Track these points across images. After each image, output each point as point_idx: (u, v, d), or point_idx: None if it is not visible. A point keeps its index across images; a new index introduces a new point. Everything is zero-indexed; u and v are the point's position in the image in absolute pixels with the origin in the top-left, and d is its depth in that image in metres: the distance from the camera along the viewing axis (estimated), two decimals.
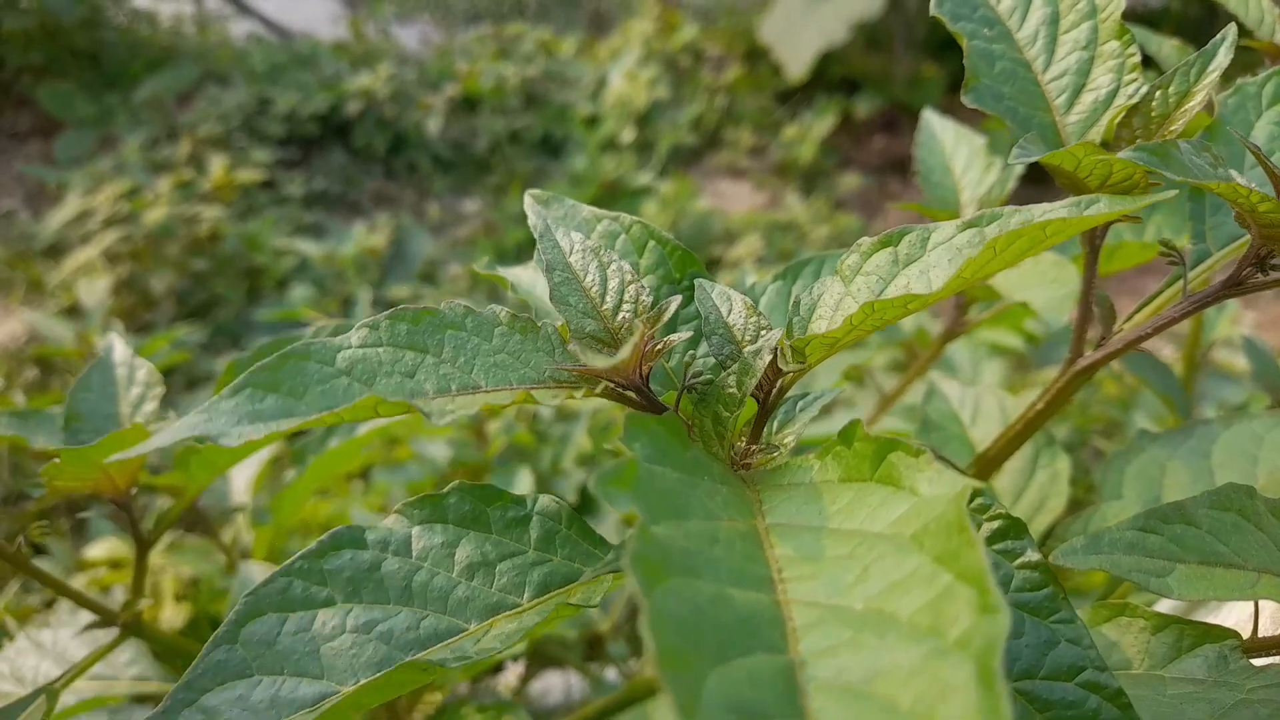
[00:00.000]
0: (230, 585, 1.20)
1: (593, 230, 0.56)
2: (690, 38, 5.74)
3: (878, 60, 5.59)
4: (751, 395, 0.46)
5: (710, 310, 0.49)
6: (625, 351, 0.40)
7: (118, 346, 0.76)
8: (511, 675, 1.20)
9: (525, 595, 0.46)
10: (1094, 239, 0.56)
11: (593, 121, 5.31)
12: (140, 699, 0.88)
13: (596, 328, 0.47)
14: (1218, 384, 1.72)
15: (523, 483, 1.46)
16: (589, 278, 0.48)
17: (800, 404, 0.49)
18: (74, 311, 3.16)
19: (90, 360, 0.75)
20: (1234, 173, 0.44)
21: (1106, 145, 0.53)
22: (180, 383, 2.81)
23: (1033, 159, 0.46)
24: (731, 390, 0.46)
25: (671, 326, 0.53)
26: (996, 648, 0.24)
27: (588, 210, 0.57)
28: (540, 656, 1.27)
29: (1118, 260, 0.84)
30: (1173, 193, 0.40)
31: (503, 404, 0.42)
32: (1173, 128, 0.51)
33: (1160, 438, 0.75)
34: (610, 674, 1.28)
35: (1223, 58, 0.51)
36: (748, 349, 0.47)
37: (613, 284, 0.47)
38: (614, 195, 4.52)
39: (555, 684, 1.33)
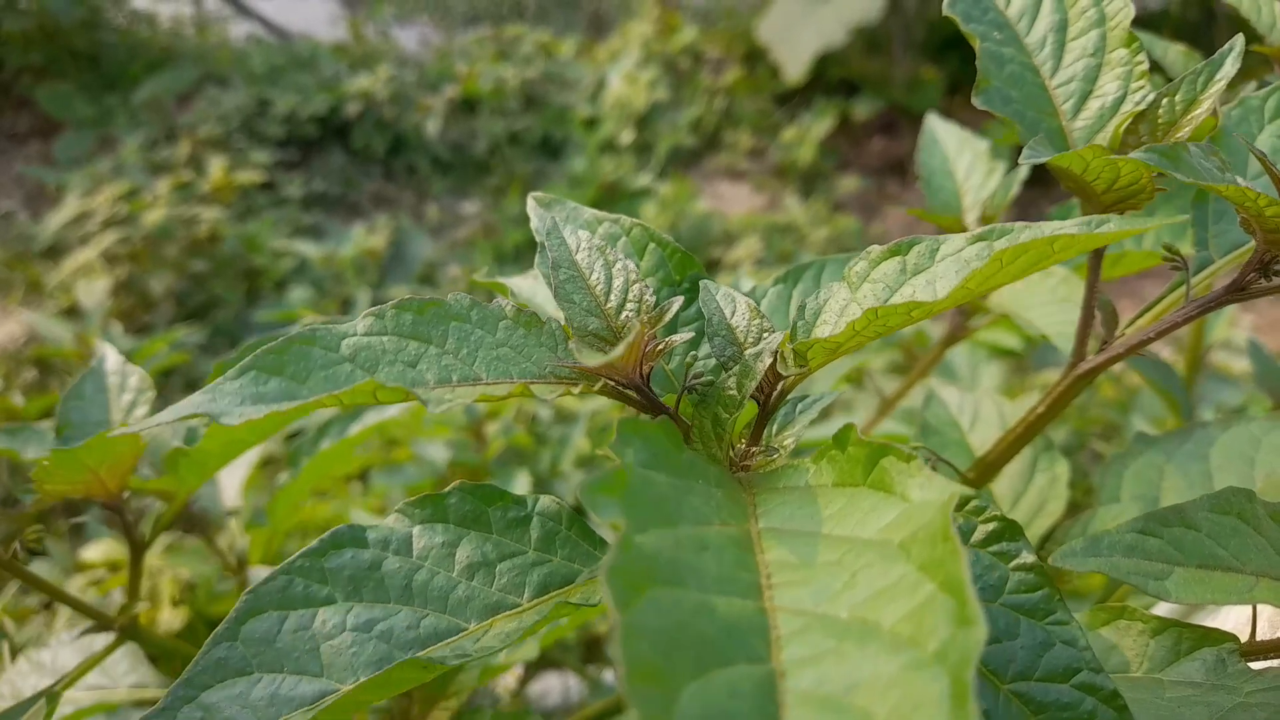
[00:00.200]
0: (227, 588, 1.20)
1: (594, 232, 0.56)
2: (689, 40, 5.74)
3: (876, 62, 5.59)
4: (752, 397, 0.46)
5: (714, 311, 0.49)
6: (621, 348, 0.40)
7: (110, 355, 0.76)
8: (510, 677, 1.20)
9: (525, 595, 0.46)
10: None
11: (592, 123, 5.31)
12: (138, 705, 0.88)
13: (599, 326, 0.47)
14: (1216, 386, 1.72)
15: (521, 485, 1.46)
16: (594, 276, 0.48)
17: (800, 406, 0.49)
18: (73, 312, 3.16)
19: (84, 368, 0.75)
20: (1239, 178, 0.44)
21: (1114, 150, 0.53)
22: (179, 384, 2.80)
23: (1041, 160, 0.46)
24: (732, 392, 0.46)
25: (672, 328, 0.53)
26: (970, 661, 0.24)
27: (589, 213, 0.57)
28: (539, 659, 1.27)
29: (1120, 267, 0.84)
30: (1185, 217, 0.40)
31: (500, 396, 0.42)
32: (1179, 135, 0.51)
33: (1158, 441, 0.75)
34: (608, 676, 1.28)
35: (1230, 67, 0.51)
36: (749, 351, 0.47)
37: (617, 283, 0.48)
38: (613, 197, 4.52)
39: (554, 685, 1.33)
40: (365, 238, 4.01)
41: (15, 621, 1.26)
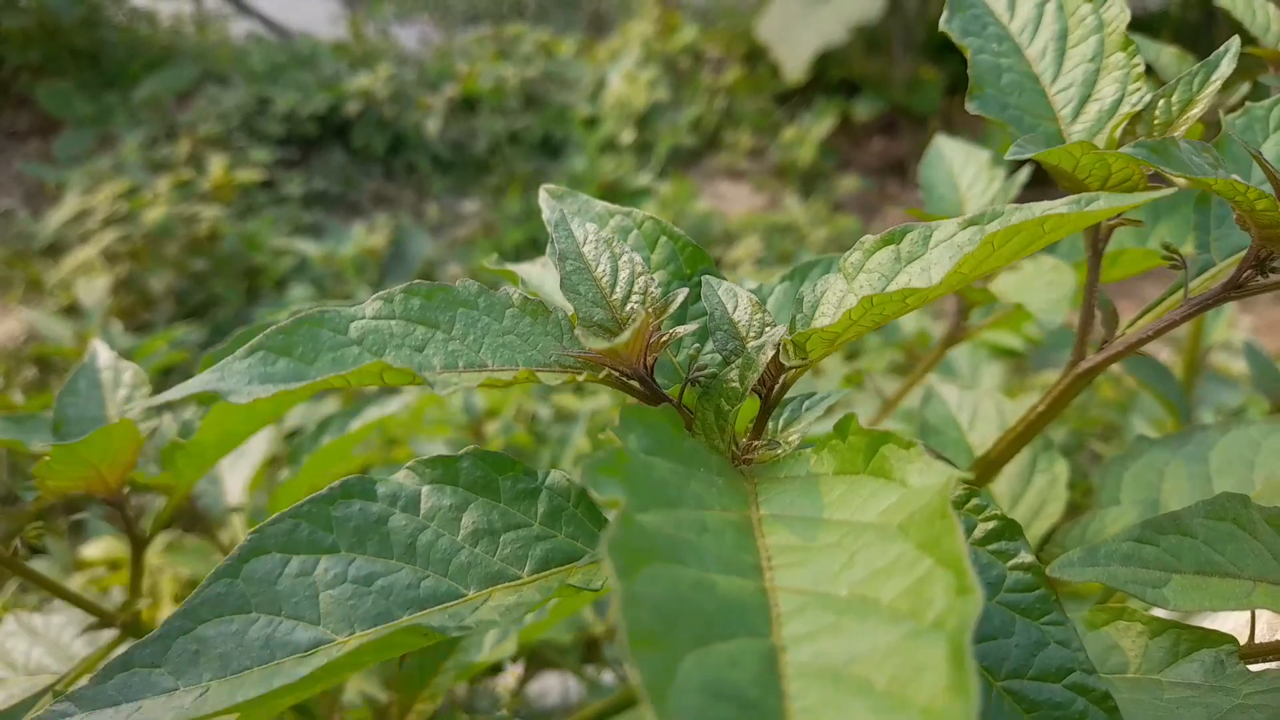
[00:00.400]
0: None
1: (605, 225, 0.57)
2: (690, 39, 5.74)
3: (877, 63, 5.60)
4: (754, 391, 0.47)
5: (716, 306, 0.49)
6: (627, 334, 0.40)
7: (101, 351, 0.76)
8: (510, 677, 1.20)
9: (526, 568, 0.46)
10: (1097, 244, 0.57)
11: (592, 122, 5.31)
12: None
13: (605, 317, 0.47)
14: (1215, 388, 1.72)
15: None
16: (600, 268, 0.48)
17: (806, 403, 0.49)
18: (73, 311, 3.16)
19: (76, 365, 0.75)
20: (1228, 173, 0.44)
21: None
22: (178, 382, 2.80)
23: (1028, 155, 0.46)
24: (734, 384, 0.46)
25: (681, 320, 0.54)
26: (968, 626, 0.25)
27: (601, 205, 0.58)
28: (537, 659, 1.27)
29: (1119, 267, 0.84)
30: (1171, 190, 0.40)
31: (505, 381, 0.43)
32: (1175, 134, 0.52)
33: (1158, 443, 0.75)
34: (607, 677, 1.28)
35: (1225, 68, 0.51)
36: (751, 344, 0.47)
37: (623, 275, 0.48)
38: (613, 196, 4.52)
39: (552, 686, 1.33)
40: (365, 236, 4.02)
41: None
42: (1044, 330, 0.82)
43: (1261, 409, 1.43)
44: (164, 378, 2.69)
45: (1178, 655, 0.49)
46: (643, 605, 0.25)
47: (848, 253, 0.46)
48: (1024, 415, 0.63)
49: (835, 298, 0.46)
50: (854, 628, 0.27)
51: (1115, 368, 1.16)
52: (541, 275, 0.63)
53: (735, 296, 0.49)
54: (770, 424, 0.49)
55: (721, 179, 5.20)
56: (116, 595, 1.21)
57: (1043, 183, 0.54)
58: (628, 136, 5.09)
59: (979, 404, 0.90)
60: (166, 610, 1.18)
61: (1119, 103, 0.55)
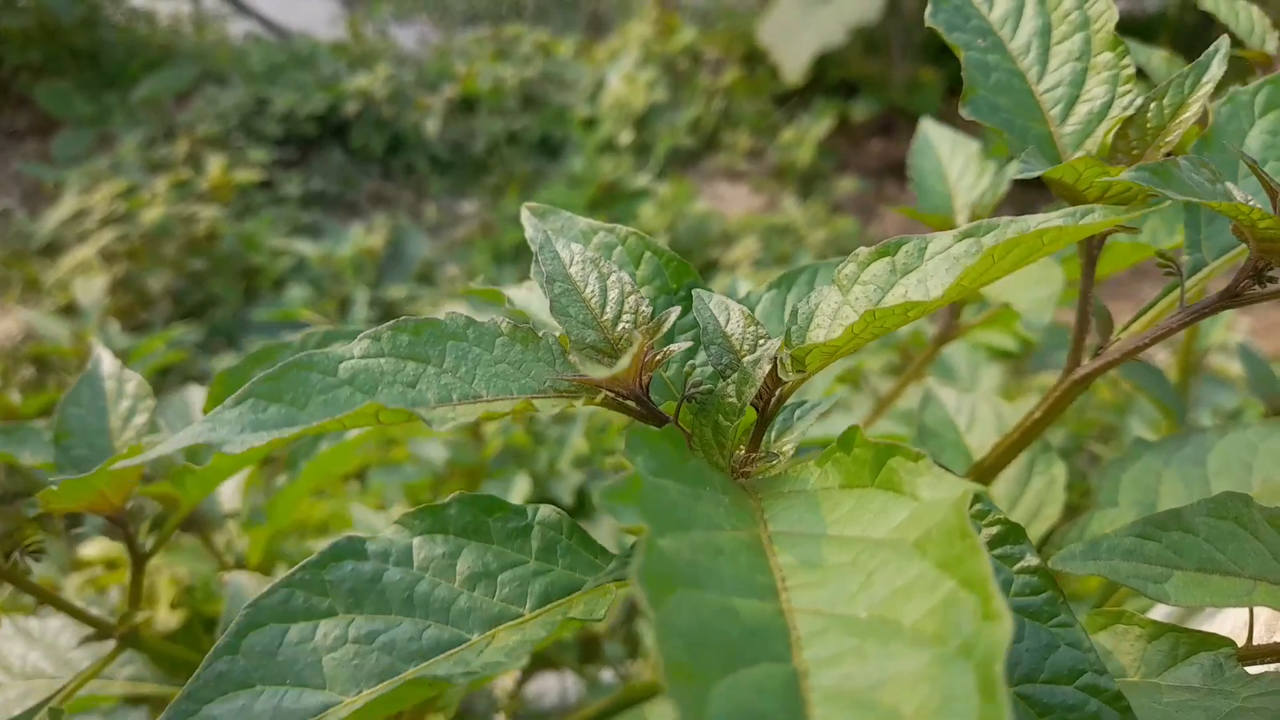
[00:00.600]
0: (225, 588, 1.20)
1: (589, 242, 0.56)
2: (688, 40, 5.74)
3: (875, 64, 5.60)
4: (750, 404, 0.46)
5: (708, 320, 0.49)
6: (625, 361, 0.40)
7: (105, 359, 0.75)
8: (508, 679, 1.20)
9: (527, 606, 0.46)
10: (1091, 248, 0.57)
11: (590, 123, 5.31)
12: (134, 700, 0.88)
13: (596, 338, 0.47)
14: (1212, 389, 1.72)
15: (519, 485, 1.46)
16: (589, 289, 0.48)
17: (798, 412, 0.49)
18: (70, 310, 3.16)
19: (81, 370, 0.74)
20: (1232, 187, 0.44)
21: (1103, 158, 0.54)
22: (176, 382, 2.80)
23: (1035, 174, 0.46)
24: (731, 399, 0.46)
25: (670, 337, 0.53)
26: (999, 655, 0.24)
27: (584, 222, 0.57)
28: (536, 658, 1.27)
29: (1108, 262, 0.84)
30: (1166, 204, 0.40)
31: (503, 413, 0.42)
32: (1168, 139, 0.52)
33: (1156, 445, 0.75)
34: (606, 676, 1.28)
35: (1216, 69, 0.51)
36: (746, 358, 0.47)
37: (612, 295, 0.48)
38: (611, 197, 4.52)
39: (551, 686, 1.33)
40: (363, 237, 4.01)
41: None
42: (1030, 330, 0.83)
43: (1257, 411, 1.43)
44: (161, 378, 2.69)
45: (1176, 658, 0.49)
46: (675, 635, 0.25)
47: (842, 263, 0.46)
48: (1021, 421, 0.63)
49: (830, 309, 0.45)
50: (877, 652, 0.26)
51: (1114, 370, 1.16)
52: (527, 298, 0.63)
53: (727, 310, 0.49)
54: (766, 436, 0.49)
55: (720, 180, 5.20)
56: (114, 596, 1.21)
57: (1032, 179, 0.54)
58: (626, 137, 5.09)
59: (977, 407, 0.90)
60: (163, 613, 1.18)
61: (1109, 105, 0.54)
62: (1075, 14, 0.57)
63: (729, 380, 0.47)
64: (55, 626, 0.79)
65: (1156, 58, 0.85)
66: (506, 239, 4.26)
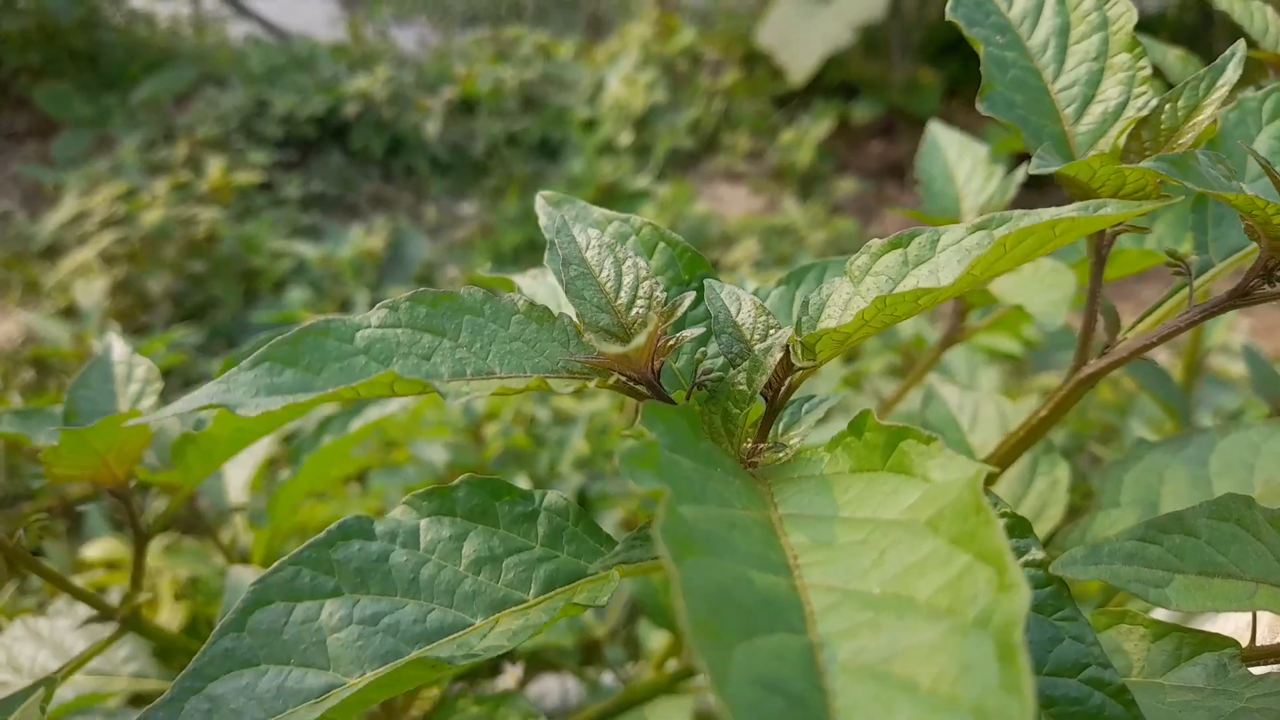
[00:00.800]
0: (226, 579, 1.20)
1: (604, 231, 0.57)
2: (688, 41, 5.75)
3: (875, 65, 5.60)
4: (760, 394, 0.47)
5: (720, 309, 0.49)
6: (641, 338, 0.40)
7: (116, 345, 0.76)
8: (509, 679, 1.20)
9: (531, 591, 0.46)
10: (1100, 248, 0.57)
11: (590, 125, 5.31)
12: (137, 698, 0.88)
13: (610, 322, 0.47)
14: (1214, 390, 1.72)
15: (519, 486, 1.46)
16: (604, 273, 0.48)
17: (806, 406, 0.49)
18: (70, 313, 3.16)
19: (89, 359, 0.75)
20: (1244, 187, 0.44)
21: (1115, 158, 0.54)
22: (176, 385, 2.80)
23: (1052, 170, 0.46)
24: (742, 387, 0.46)
25: (681, 326, 0.53)
26: (1017, 623, 0.24)
27: (599, 212, 0.58)
28: (537, 661, 1.27)
29: (1116, 267, 0.84)
30: (1180, 198, 0.41)
31: (517, 389, 0.42)
32: (1181, 141, 0.52)
33: (1158, 446, 0.75)
34: (607, 678, 1.28)
35: (1231, 73, 0.51)
36: (758, 347, 0.47)
37: (627, 280, 0.48)
38: (611, 198, 4.52)
39: (552, 688, 1.33)
40: (363, 239, 4.01)
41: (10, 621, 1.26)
42: (1044, 331, 0.83)
43: (1260, 412, 1.43)
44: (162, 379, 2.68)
45: (1180, 659, 0.49)
46: (699, 596, 0.25)
47: (854, 256, 0.46)
48: (1026, 420, 0.63)
49: (842, 299, 0.46)
50: (892, 625, 0.26)
51: (1116, 371, 1.16)
52: (532, 287, 0.63)
53: (738, 299, 0.49)
54: (774, 427, 0.49)
55: (720, 181, 5.20)
56: (114, 596, 1.21)
57: (1040, 181, 0.54)
58: (626, 139, 5.09)
59: (980, 406, 0.90)
60: (166, 612, 1.18)
61: (1124, 105, 0.55)
62: (1095, 14, 0.57)
63: (740, 368, 0.47)
64: (63, 626, 0.80)
65: (1172, 56, 0.85)
66: (506, 240, 4.26)
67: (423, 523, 0.47)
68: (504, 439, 1.59)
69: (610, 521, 1.40)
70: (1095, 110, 0.55)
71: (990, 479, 0.68)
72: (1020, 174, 0.97)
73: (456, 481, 0.48)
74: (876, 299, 0.41)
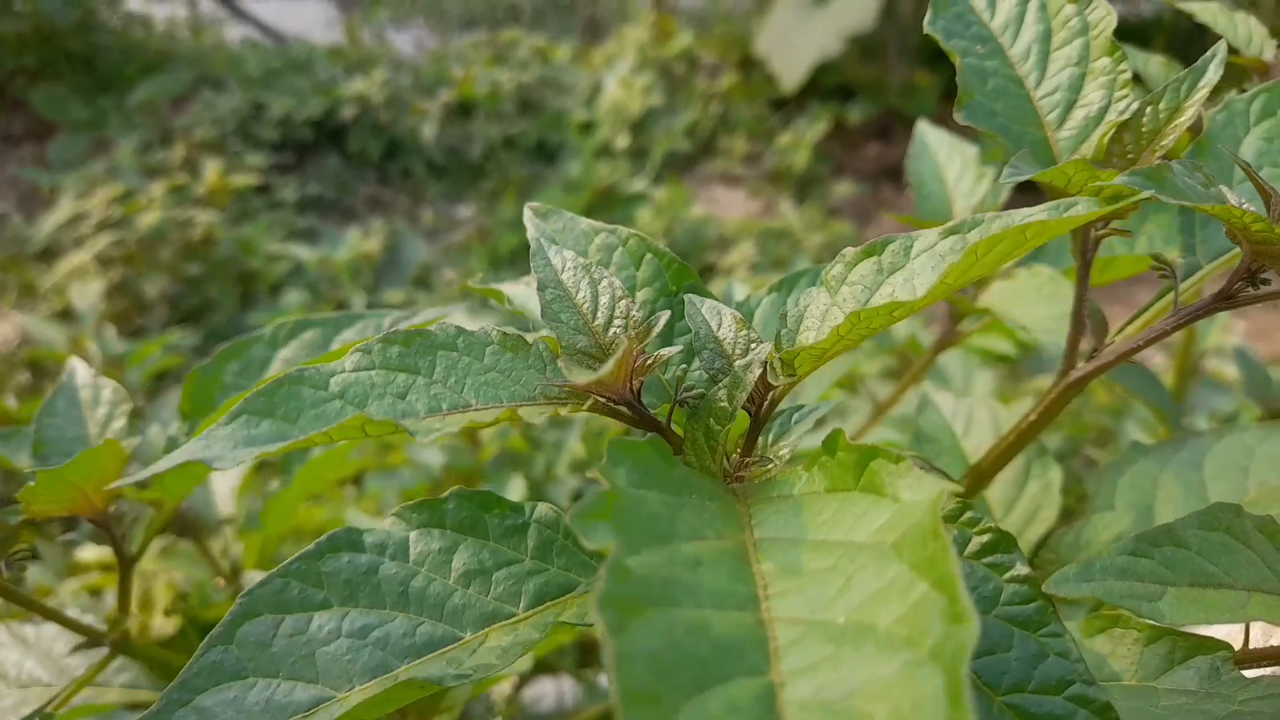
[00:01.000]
0: (220, 594, 1.20)
1: (591, 242, 0.56)
2: (685, 45, 5.75)
3: (872, 68, 5.61)
4: (743, 408, 0.46)
5: (700, 325, 0.49)
6: (609, 365, 0.40)
7: (79, 369, 0.74)
8: (505, 684, 1.20)
9: (521, 605, 0.45)
10: (1085, 253, 0.57)
11: (587, 128, 5.31)
12: (131, 707, 0.88)
13: (588, 344, 0.47)
14: (1209, 393, 1.72)
15: (515, 489, 1.46)
16: (580, 294, 0.48)
17: (795, 417, 0.49)
18: (67, 315, 3.16)
19: (69, 372, 0.74)
20: (1225, 190, 0.44)
21: (1098, 162, 0.54)
22: (172, 387, 2.80)
23: (1023, 178, 0.46)
24: (722, 404, 0.46)
25: (667, 339, 0.53)
26: (964, 656, 0.24)
27: (586, 223, 0.57)
28: (534, 663, 1.27)
29: (1111, 272, 0.84)
30: (1149, 193, 0.40)
31: (488, 422, 0.42)
32: (1163, 143, 0.52)
33: (1152, 449, 0.75)
34: (604, 681, 1.28)
35: (1212, 75, 0.51)
36: (738, 363, 0.47)
37: (604, 300, 0.48)
38: (608, 202, 4.52)
39: (548, 690, 1.33)
40: (360, 241, 4.01)
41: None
42: (1045, 348, 0.82)
43: (1253, 414, 1.43)
44: (158, 382, 2.68)
45: (1173, 662, 0.49)
46: (637, 662, 0.24)
47: (829, 265, 0.46)
48: (1016, 424, 0.63)
49: (819, 311, 0.45)
50: (852, 658, 0.26)
51: (1110, 373, 1.17)
52: (526, 294, 0.63)
53: (719, 314, 0.49)
54: (760, 439, 0.49)
55: (717, 184, 5.21)
56: (110, 599, 1.21)
57: (1033, 182, 0.54)
58: (623, 142, 5.09)
59: (973, 411, 0.90)
60: (160, 619, 1.18)
61: (1105, 109, 0.55)
62: (1075, 20, 0.57)
63: (720, 385, 0.47)
64: (50, 633, 0.79)
65: (1154, 63, 0.85)
66: (503, 243, 4.26)
67: (412, 535, 0.46)
68: (500, 442, 1.59)
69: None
70: (1078, 115, 0.56)
71: (981, 485, 0.68)
72: (1007, 174, 0.97)
73: (446, 494, 0.48)
74: (850, 314, 0.41)
